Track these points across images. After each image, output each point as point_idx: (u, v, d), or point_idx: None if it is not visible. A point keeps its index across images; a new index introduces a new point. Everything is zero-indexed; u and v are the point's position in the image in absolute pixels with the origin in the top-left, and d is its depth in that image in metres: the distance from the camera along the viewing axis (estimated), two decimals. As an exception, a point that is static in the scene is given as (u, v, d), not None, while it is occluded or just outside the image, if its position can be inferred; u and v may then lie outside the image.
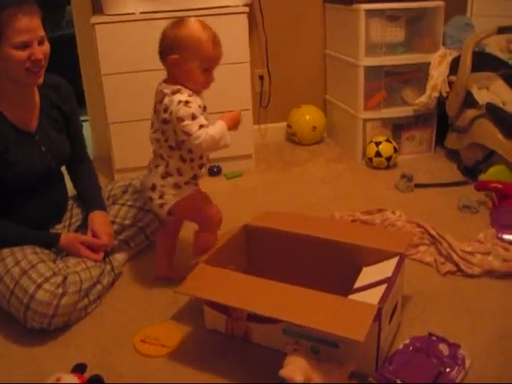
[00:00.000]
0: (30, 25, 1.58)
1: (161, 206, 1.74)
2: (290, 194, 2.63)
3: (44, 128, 1.82)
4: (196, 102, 1.65)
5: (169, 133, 1.68)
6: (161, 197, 1.73)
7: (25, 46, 1.59)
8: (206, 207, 1.81)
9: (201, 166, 1.79)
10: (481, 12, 3.08)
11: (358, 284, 1.54)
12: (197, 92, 1.71)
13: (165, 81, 1.72)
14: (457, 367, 1.43)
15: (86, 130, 2.21)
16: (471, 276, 1.85)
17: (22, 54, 1.59)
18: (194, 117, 1.61)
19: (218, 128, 1.65)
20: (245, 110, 2.81)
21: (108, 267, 1.86)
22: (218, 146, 1.67)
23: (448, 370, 1.42)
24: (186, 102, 1.62)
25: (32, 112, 1.79)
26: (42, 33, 1.63)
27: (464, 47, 2.67)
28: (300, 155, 3.15)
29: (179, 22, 1.69)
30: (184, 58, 1.65)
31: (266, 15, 3.12)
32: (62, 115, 1.89)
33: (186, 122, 1.60)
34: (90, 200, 1.99)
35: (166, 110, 1.65)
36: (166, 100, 1.65)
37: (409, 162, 2.93)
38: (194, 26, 1.66)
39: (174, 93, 1.65)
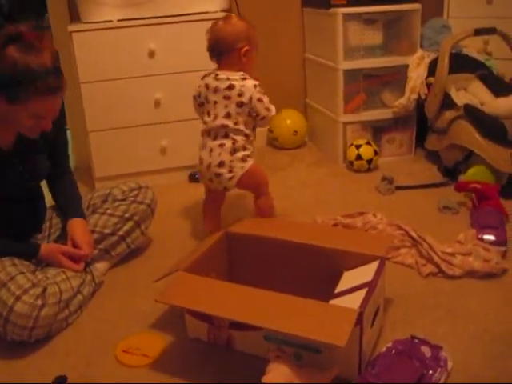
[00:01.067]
0: (52, 107, 1.61)
1: (230, 178, 2.01)
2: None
3: (23, 147, 1.77)
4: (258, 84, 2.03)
5: (241, 115, 1.99)
6: (230, 171, 2.00)
7: (39, 118, 1.61)
8: (262, 174, 2.13)
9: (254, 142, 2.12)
10: (457, 14, 3.11)
11: (339, 289, 1.54)
12: (251, 75, 2.05)
13: (218, 70, 2.04)
14: (439, 369, 1.43)
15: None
16: (452, 277, 1.86)
17: (31, 122, 1.61)
18: (264, 93, 2.02)
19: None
20: (225, 116, 2.82)
21: (89, 277, 1.85)
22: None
23: (430, 371, 1.42)
24: (258, 86, 2.00)
25: (11, 131, 1.73)
26: (58, 110, 1.65)
27: (441, 49, 2.69)
28: (281, 160, 3.16)
29: (230, 18, 2.04)
30: (251, 48, 2.01)
31: (244, 20, 3.12)
32: (44, 138, 1.80)
33: (265, 101, 2.00)
34: (69, 209, 1.97)
35: (240, 95, 1.97)
36: (238, 86, 1.97)
37: (390, 164, 2.94)
38: (244, 20, 2.04)
39: (243, 79, 1.99)
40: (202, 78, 2.07)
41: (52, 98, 1.58)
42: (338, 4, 2.81)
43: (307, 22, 3.22)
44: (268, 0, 3.17)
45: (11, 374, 1.52)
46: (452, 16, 3.12)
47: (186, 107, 2.73)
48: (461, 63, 2.82)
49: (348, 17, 2.76)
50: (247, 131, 2.02)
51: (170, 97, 2.73)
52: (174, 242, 2.23)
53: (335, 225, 2.23)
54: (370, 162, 2.82)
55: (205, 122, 2.06)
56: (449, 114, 2.66)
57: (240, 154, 2.01)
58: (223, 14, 2.65)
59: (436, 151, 2.85)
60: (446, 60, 2.63)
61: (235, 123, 1.99)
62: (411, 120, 3.00)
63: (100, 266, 1.96)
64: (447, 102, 2.68)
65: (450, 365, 1.45)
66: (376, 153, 2.85)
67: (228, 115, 1.99)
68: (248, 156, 2.03)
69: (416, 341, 1.52)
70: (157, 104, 2.72)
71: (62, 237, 1.94)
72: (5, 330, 1.57)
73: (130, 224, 2.02)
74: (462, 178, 2.53)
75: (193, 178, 2.87)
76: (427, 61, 2.86)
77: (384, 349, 1.50)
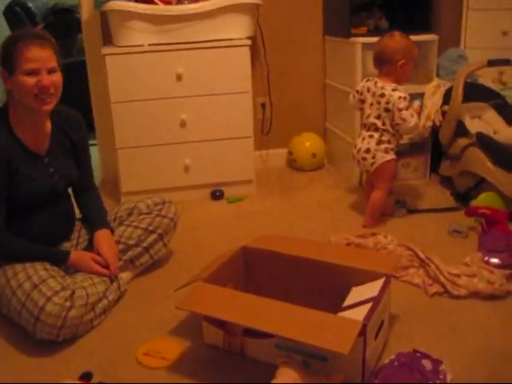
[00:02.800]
0: (39, 55, 1.75)
1: (372, 164, 2.50)
2: (289, 217, 2.74)
3: (53, 152, 1.95)
4: (407, 96, 2.44)
5: (387, 118, 2.45)
6: (373, 157, 2.49)
7: (34, 73, 1.75)
8: (392, 172, 2.56)
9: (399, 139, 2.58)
10: (474, 44, 3.21)
11: (346, 302, 1.64)
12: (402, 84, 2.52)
13: (378, 78, 2.50)
14: (438, 381, 1.52)
15: (94, 154, 2.34)
16: (457, 297, 1.95)
17: (30, 81, 1.75)
18: (407, 108, 2.41)
19: (417, 119, 2.47)
20: (247, 138, 2.94)
21: (115, 285, 1.97)
22: (415, 132, 2.70)
23: (430, 383, 1.51)
24: (404, 98, 2.41)
25: (43, 137, 1.93)
26: (52, 64, 1.79)
27: (456, 78, 2.79)
28: (300, 181, 3.27)
29: (394, 35, 2.46)
30: (407, 61, 2.44)
31: (268, 47, 3.27)
32: (71, 143, 2.02)
33: (404, 112, 2.40)
34: (95, 220, 2.11)
35: (387, 103, 2.43)
36: (387, 94, 2.43)
37: (404, 188, 3.04)
38: (406, 37, 2.46)
39: (393, 90, 2.44)
40: (366, 81, 2.56)
41: (37, 49, 1.75)
42: (358, 34, 2.95)
43: (328, 49, 3.36)
44: (291, 28, 3.32)
45: (40, 370, 1.64)
46: (469, 46, 3.22)
47: (209, 128, 2.89)
48: (476, 92, 2.91)
49: (367, 46, 2.87)
50: (392, 131, 2.48)
51: (195, 118, 2.86)
52: (194, 255, 2.34)
53: (348, 244, 2.33)
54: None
55: (362, 118, 2.59)
56: (462, 141, 2.75)
57: (383, 146, 2.48)
58: (247, 41, 2.81)
59: (449, 177, 2.94)
60: (460, 89, 2.73)
61: (383, 124, 2.47)
62: (426, 146, 3.10)
63: (124, 276, 2.08)
64: (461, 130, 2.77)
65: (449, 378, 1.53)
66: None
67: (378, 117, 2.48)
68: (391, 150, 2.49)
69: (418, 354, 1.61)
70: (182, 124, 2.85)
71: (89, 248, 2.06)
72: (35, 329, 1.69)
73: (153, 236, 2.14)
74: (473, 203, 2.61)
75: (214, 196, 2.99)
76: (443, 89, 2.96)
77: (387, 361, 1.59)
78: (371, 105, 2.49)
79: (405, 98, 2.42)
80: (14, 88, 1.79)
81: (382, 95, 2.45)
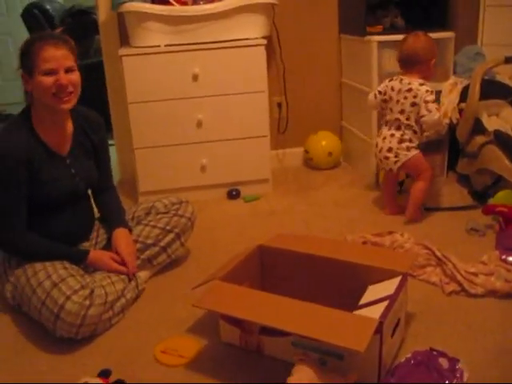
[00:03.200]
0: (54, 54, 1.79)
1: (395, 162, 2.54)
2: (305, 216, 2.74)
3: (75, 153, 1.98)
4: (434, 91, 2.50)
5: (412, 113, 2.49)
6: (396, 156, 2.53)
7: (51, 73, 1.79)
8: (422, 164, 2.57)
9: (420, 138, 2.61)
10: (491, 42, 3.19)
11: (363, 301, 1.64)
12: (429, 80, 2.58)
13: (403, 75, 2.54)
14: (455, 380, 1.52)
15: (112, 154, 2.36)
16: (474, 296, 1.94)
17: (48, 80, 1.79)
18: (433, 101, 2.47)
19: (441, 116, 2.56)
20: (263, 137, 2.95)
21: (133, 283, 1.99)
22: (438, 127, 2.65)
23: (447, 382, 1.51)
24: (431, 92, 2.47)
25: (65, 137, 1.96)
26: (69, 63, 1.82)
27: (473, 76, 2.77)
28: (316, 179, 3.27)
29: (419, 36, 2.51)
30: (433, 59, 2.52)
31: (283, 46, 3.28)
32: (92, 144, 2.05)
33: (430, 104, 2.45)
34: (114, 220, 2.13)
35: (415, 96, 2.47)
36: (415, 88, 2.47)
37: (421, 186, 3.02)
38: (428, 36, 2.53)
39: (421, 84, 2.48)
40: (390, 81, 2.58)
41: (52, 48, 1.78)
42: (374, 32, 2.95)
43: (344, 48, 3.35)
44: (307, 27, 3.32)
45: (59, 367, 1.67)
46: (486, 43, 3.20)
47: (226, 127, 2.90)
48: (493, 89, 2.89)
49: (383, 44, 2.88)
50: (416, 127, 2.52)
51: (212, 118, 2.87)
52: (211, 254, 2.36)
53: (364, 242, 2.33)
54: (401, 184, 2.91)
55: (385, 116, 2.61)
56: (479, 139, 2.73)
57: (405, 145, 2.52)
58: (263, 40, 2.82)
59: (467, 175, 2.93)
60: (477, 87, 2.71)
61: (407, 118, 2.50)
62: (443, 144, 3.08)
63: (142, 275, 2.10)
64: (478, 128, 2.75)
65: (465, 376, 1.53)
66: (407, 175, 2.93)
67: (402, 112, 2.51)
68: (413, 147, 2.53)
69: (434, 353, 1.61)
70: (199, 124, 2.87)
71: (108, 247, 2.09)
72: (54, 327, 1.72)
73: (170, 236, 2.16)
74: (490, 201, 2.59)
75: (231, 195, 3.00)
76: (460, 87, 2.94)
77: (403, 359, 1.60)
78: (397, 102, 2.52)
79: (432, 92, 2.47)
80: (34, 89, 1.82)
81: (410, 90, 2.48)
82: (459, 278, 1.98)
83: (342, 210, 2.80)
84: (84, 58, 4.90)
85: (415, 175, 2.61)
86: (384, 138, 2.57)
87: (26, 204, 1.86)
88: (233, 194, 3.00)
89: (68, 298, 1.70)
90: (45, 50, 1.77)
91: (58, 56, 1.79)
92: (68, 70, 1.82)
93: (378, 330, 1.45)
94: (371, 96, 2.66)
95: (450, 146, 3.08)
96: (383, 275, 1.72)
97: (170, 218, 2.17)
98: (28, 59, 1.79)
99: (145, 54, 2.75)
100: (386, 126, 2.60)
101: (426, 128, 2.55)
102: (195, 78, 2.80)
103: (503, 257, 2.10)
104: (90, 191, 2.15)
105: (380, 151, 2.58)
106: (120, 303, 1.88)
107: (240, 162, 2.97)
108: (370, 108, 2.78)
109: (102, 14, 3.14)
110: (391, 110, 2.55)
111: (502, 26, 3.14)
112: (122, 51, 2.77)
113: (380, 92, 2.61)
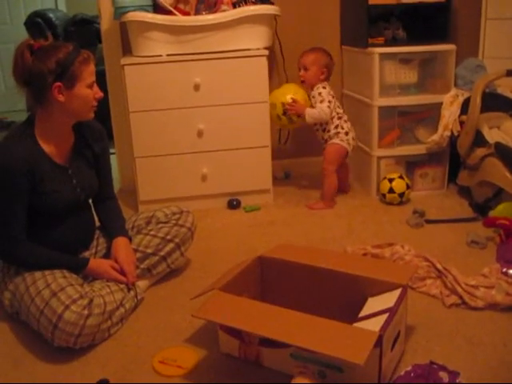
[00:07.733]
0: (94, 69, 1.87)
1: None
2: (305, 227, 2.74)
3: (76, 163, 1.98)
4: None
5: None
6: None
7: (92, 86, 1.86)
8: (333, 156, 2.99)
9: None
10: (492, 54, 3.19)
11: (363, 313, 1.63)
12: None
13: None
14: (455, 394, 1.51)
15: (113, 163, 2.36)
16: (475, 308, 1.93)
17: (91, 92, 1.86)
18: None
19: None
20: (264, 147, 2.96)
21: (132, 293, 1.98)
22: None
23: (447, 396, 1.50)
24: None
25: (67, 148, 1.96)
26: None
27: (474, 88, 2.78)
28: (317, 190, 3.26)
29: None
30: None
31: (286, 56, 3.29)
32: (93, 154, 2.05)
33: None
34: (114, 228, 2.13)
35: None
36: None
37: (422, 198, 3.03)
38: None
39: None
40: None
41: (91, 65, 1.87)
42: (376, 44, 2.96)
43: (346, 59, 3.37)
44: (308, 38, 3.33)
45: (56, 377, 1.66)
46: (487, 56, 3.21)
47: (227, 137, 2.91)
48: (494, 102, 2.90)
49: (384, 56, 2.88)
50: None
51: (213, 127, 2.88)
52: (211, 264, 2.35)
53: (365, 254, 2.32)
54: (402, 195, 2.91)
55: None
56: (480, 152, 2.73)
57: (327, 135, 3.01)
58: (265, 51, 2.83)
59: (468, 187, 2.93)
60: (478, 99, 2.72)
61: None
62: (444, 156, 3.08)
63: (141, 284, 2.09)
64: (479, 140, 2.75)
65: (466, 390, 1.53)
66: (408, 187, 2.93)
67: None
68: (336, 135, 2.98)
69: (435, 366, 1.59)
70: (200, 134, 2.87)
71: (107, 256, 2.08)
72: (53, 336, 1.71)
73: (170, 245, 2.15)
74: (491, 213, 2.59)
75: (231, 205, 3.00)
76: (461, 99, 2.95)
77: (403, 372, 1.58)
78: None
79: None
80: (71, 100, 1.83)
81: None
82: (460, 290, 1.98)
83: (342, 220, 2.80)
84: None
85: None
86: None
87: (26, 214, 1.85)
88: (233, 204, 3.00)
89: (67, 307, 1.69)
90: (89, 64, 1.85)
91: (94, 70, 1.88)
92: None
93: (378, 343, 1.44)
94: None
95: (450, 158, 3.09)
96: (383, 287, 1.71)
97: (170, 227, 2.17)
98: (71, 71, 1.80)
99: (147, 63, 2.76)
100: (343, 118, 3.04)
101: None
102: (197, 87, 2.80)
103: (504, 270, 2.09)
104: (90, 200, 2.14)
105: (353, 138, 3.01)
106: (119, 313, 1.87)
107: (241, 172, 2.97)
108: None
109: (105, 24, 3.16)
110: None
111: (503, 38, 3.15)
112: (124, 60, 2.78)
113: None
